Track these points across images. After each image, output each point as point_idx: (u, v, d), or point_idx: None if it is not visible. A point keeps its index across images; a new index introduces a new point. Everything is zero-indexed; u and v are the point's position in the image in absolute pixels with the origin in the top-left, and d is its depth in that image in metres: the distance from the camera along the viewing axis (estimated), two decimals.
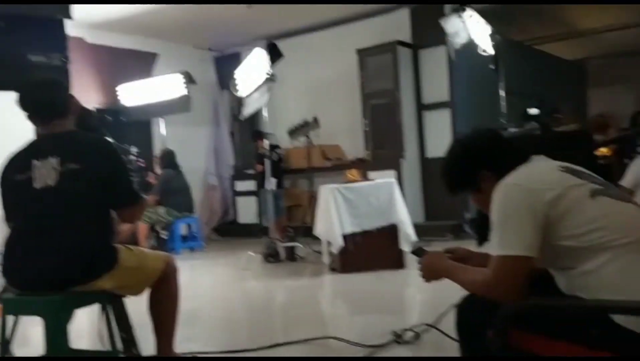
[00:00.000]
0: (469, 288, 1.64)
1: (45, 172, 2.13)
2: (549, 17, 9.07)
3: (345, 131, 8.25)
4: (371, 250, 5.04)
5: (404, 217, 5.15)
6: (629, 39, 10.51)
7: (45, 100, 2.27)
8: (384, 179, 5.61)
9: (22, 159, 2.22)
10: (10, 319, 2.21)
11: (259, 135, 7.24)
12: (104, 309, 2.24)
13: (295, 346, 3.02)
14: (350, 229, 5.03)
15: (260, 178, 7.79)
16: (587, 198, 1.50)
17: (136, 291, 2.35)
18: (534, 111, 4.60)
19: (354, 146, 8.07)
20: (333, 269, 5.20)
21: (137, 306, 2.43)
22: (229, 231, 9.14)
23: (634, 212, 1.53)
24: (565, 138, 4.09)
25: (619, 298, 1.41)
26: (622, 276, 1.42)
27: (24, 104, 2.25)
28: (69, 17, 3.10)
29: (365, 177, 6.14)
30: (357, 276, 4.89)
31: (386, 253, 5.07)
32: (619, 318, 1.39)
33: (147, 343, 2.48)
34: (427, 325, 3.09)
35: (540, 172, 1.60)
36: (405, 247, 5.02)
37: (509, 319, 1.44)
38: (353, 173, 5.64)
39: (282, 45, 6.35)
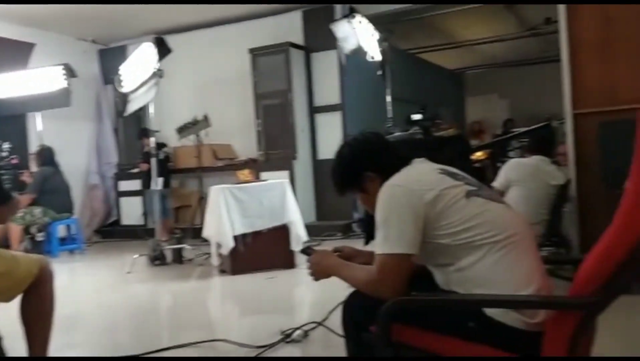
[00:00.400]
0: (355, 285, 1.69)
1: None
2: (431, 28, 9.61)
3: (238, 131, 8.18)
4: (262, 251, 5.03)
5: (296, 217, 5.21)
6: (502, 51, 11.43)
7: None
8: (276, 179, 5.64)
9: None
10: None
11: (145, 133, 6.97)
12: None
13: (183, 350, 2.95)
14: (241, 230, 4.99)
15: (145, 178, 7.49)
16: (463, 198, 1.60)
17: (6, 298, 2.17)
18: (416, 116, 4.84)
19: (247, 146, 8.03)
20: (223, 271, 5.14)
21: (6, 313, 2.25)
22: (111, 232, 8.71)
23: (504, 211, 1.65)
24: (444, 142, 4.35)
25: (491, 292, 1.52)
26: (493, 271, 1.53)
27: None
28: None
29: (257, 178, 6.13)
30: (247, 277, 4.86)
31: (277, 253, 5.09)
32: (491, 312, 1.50)
33: (18, 353, 2.30)
34: (315, 322, 3.14)
35: (421, 174, 1.69)
36: (296, 247, 5.07)
37: (391, 314, 1.51)
38: (245, 173, 5.60)
39: (172, 40, 6.15)
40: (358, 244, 2.60)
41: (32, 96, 7.27)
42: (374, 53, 6.01)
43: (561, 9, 4.34)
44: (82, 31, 8.57)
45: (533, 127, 5.63)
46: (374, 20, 6.39)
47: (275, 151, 7.71)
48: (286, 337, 2.98)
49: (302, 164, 7.70)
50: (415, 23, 9.01)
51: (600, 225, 1.43)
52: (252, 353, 2.82)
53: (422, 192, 1.58)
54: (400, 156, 1.77)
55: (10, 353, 2.23)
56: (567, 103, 4.33)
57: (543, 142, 4.14)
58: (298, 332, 3.01)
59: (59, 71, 7.23)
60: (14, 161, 6.81)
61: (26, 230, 6.71)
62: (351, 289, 1.73)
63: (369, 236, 4.29)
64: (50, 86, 7.24)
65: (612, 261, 1.33)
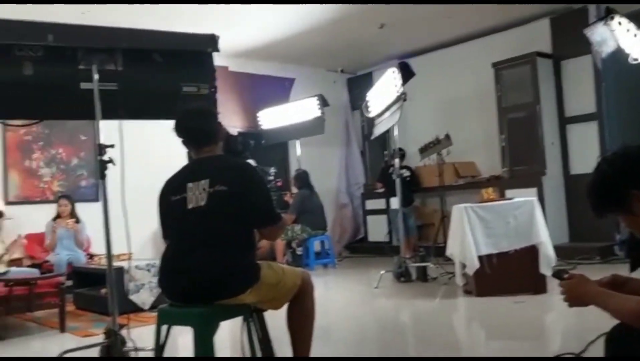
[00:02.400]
0: (618, 317, 1.52)
1: (197, 194, 2.33)
2: None
3: (480, 148, 8.02)
4: (509, 273, 4.80)
5: (545, 238, 4.86)
6: None
7: (198, 128, 2.49)
8: (523, 197, 5.35)
9: (178, 182, 2.45)
10: (164, 327, 2.42)
11: (398, 154, 7.17)
12: (246, 321, 2.38)
13: None
14: (485, 250, 4.84)
15: (389, 197, 7.84)
16: None
17: (275, 306, 2.47)
18: None
19: (490, 163, 7.81)
20: (467, 292, 5.04)
21: (276, 320, 2.55)
22: (359, 249, 9.24)
23: None
24: None
25: None
26: None
27: (180, 131, 2.50)
28: (217, 50, 3.38)
29: (502, 196, 5.90)
30: (493, 299, 4.68)
31: (525, 276, 4.80)
32: None
33: (284, 356, 2.58)
34: (572, 354, 2.88)
35: None
36: (546, 270, 4.73)
37: None
38: (488, 192, 5.44)
39: (413, 62, 6.36)
40: (621, 270, 2.32)
41: (292, 126, 8.21)
42: (638, 55, 5.34)
43: None
44: (332, 63, 9.36)
45: None
46: (637, 17, 5.68)
47: (521, 167, 7.34)
48: None
49: (552, 180, 7.18)
50: None
51: None
52: None
53: None
54: None
55: (279, 355, 2.52)
56: None
57: None
58: None
59: (314, 101, 8.03)
60: (279, 184, 7.73)
61: (288, 245, 7.55)
62: (615, 321, 1.56)
63: (635, 262, 3.79)
64: (307, 116, 8.09)
65: None
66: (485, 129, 7.89)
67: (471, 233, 4.85)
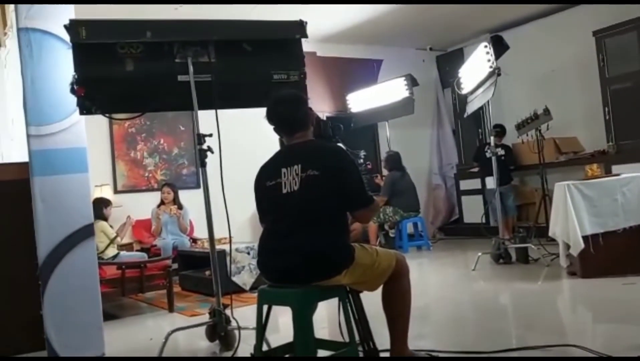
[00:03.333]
0: None
1: (291, 179, 2.40)
2: None
3: (583, 121, 7.57)
4: (617, 253, 4.53)
5: None
6: None
7: (289, 115, 2.54)
8: (632, 173, 5.00)
9: (272, 167, 2.52)
10: (264, 307, 2.51)
11: (497, 131, 6.96)
12: (342, 302, 2.42)
13: (531, 352, 2.87)
14: (590, 229, 4.59)
15: (483, 176, 7.62)
16: None
17: (371, 287, 2.49)
18: None
19: (594, 138, 7.34)
20: (571, 274, 4.81)
21: (373, 301, 2.57)
22: (454, 230, 9.04)
23: None
24: None
25: None
26: None
27: (271, 118, 2.56)
28: (305, 36, 3.42)
29: (608, 172, 5.56)
30: (600, 281, 4.44)
31: (635, 256, 4.51)
32: None
33: (381, 337, 2.60)
34: None
35: None
36: None
37: None
38: (593, 168, 5.14)
39: (506, 36, 6.08)
40: None
41: (381, 107, 8.14)
42: None
43: None
44: (420, 41, 9.17)
45: None
46: None
47: (629, 140, 6.87)
48: None
49: None
50: None
51: None
52: None
53: None
54: None
55: (376, 336, 2.55)
56: None
57: None
58: None
59: (402, 82, 7.91)
60: (369, 167, 7.72)
61: (380, 227, 7.54)
62: None
63: None
64: (395, 97, 7.99)
65: None
66: (587, 102, 7.44)
67: (575, 212, 4.62)
